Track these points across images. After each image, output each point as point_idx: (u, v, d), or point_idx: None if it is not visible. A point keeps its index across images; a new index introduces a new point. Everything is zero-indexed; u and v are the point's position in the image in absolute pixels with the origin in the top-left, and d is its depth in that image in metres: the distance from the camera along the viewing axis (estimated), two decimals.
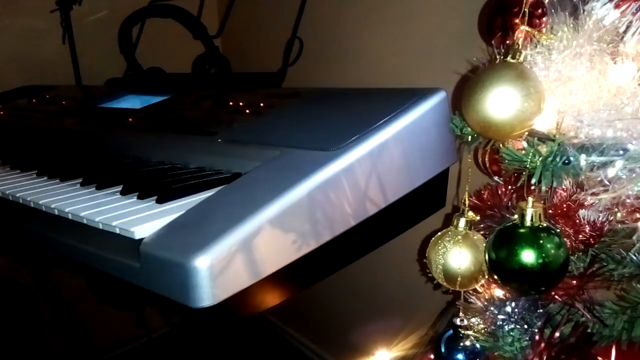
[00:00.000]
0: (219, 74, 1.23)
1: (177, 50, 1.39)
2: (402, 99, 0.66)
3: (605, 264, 0.60)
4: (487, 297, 0.62)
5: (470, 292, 0.64)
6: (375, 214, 0.62)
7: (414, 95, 0.66)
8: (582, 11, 0.52)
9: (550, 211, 0.59)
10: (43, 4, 1.28)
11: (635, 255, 0.57)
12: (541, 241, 0.52)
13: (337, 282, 1.12)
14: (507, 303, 0.60)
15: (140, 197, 0.62)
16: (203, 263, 0.45)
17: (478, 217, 0.64)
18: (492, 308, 0.61)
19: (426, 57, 1.00)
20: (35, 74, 1.31)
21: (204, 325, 1.37)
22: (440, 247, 0.63)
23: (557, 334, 0.56)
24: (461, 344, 0.65)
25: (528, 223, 0.54)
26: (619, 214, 0.55)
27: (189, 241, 0.48)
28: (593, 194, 0.50)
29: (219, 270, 0.46)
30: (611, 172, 0.48)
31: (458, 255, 0.61)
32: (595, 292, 0.60)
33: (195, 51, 1.26)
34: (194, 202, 0.58)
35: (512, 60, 0.52)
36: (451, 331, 0.68)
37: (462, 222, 0.63)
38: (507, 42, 0.61)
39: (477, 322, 0.62)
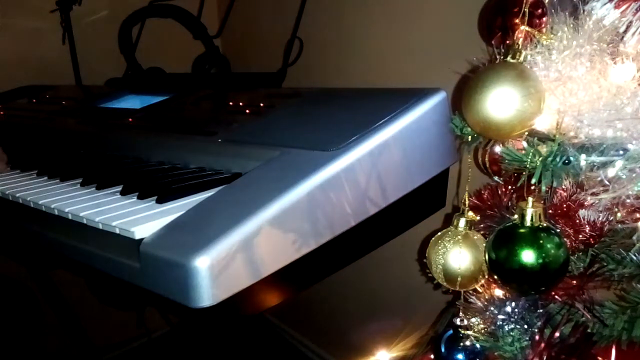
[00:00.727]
0: (219, 74, 1.23)
1: (177, 50, 1.39)
2: (402, 99, 0.66)
3: (605, 264, 0.60)
4: (487, 297, 0.62)
5: (470, 292, 0.64)
6: (376, 214, 0.62)
7: (414, 96, 0.66)
8: (582, 11, 0.52)
9: (550, 211, 0.59)
10: (43, 4, 1.28)
11: (635, 255, 0.57)
12: (541, 241, 0.52)
13: (337, 282, 1.12)
14: (507, 303, 0.60)
15: (140, 197, 0.62)
16: (203, 263, 0.45)
17: (478, 217, 0.64)
18: (492, 308, 0.61)
19: (426, 57, 1.00)
20: (35, 74, 1.31)
21: (204, 325, 1.37)
22: (440, 247, 0.63)
23: (557, 334, 0.56)
24: (461, 344, 0.65)
25: (528, 223, 0.53)
26: (619, 214, 0.55)
27: (189, 241, 0.48)
28: (593, 194, 0.50)
29: (219, 270, 0.46)
30: (611, 172, 0.48)
31: (458, 255, 0.61)
32: (595, 292, 0.60)
33: (195, 51, 1.27)
34: (194, 202, 0.58)
35: (512, 60, 0.52)
36: (451, 331, 0.68)
37: (462, 222, 0.63)
38: (507, 42, 0.61)
39: (477, 322, 0.62)
